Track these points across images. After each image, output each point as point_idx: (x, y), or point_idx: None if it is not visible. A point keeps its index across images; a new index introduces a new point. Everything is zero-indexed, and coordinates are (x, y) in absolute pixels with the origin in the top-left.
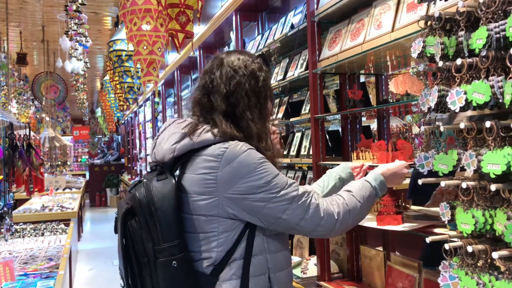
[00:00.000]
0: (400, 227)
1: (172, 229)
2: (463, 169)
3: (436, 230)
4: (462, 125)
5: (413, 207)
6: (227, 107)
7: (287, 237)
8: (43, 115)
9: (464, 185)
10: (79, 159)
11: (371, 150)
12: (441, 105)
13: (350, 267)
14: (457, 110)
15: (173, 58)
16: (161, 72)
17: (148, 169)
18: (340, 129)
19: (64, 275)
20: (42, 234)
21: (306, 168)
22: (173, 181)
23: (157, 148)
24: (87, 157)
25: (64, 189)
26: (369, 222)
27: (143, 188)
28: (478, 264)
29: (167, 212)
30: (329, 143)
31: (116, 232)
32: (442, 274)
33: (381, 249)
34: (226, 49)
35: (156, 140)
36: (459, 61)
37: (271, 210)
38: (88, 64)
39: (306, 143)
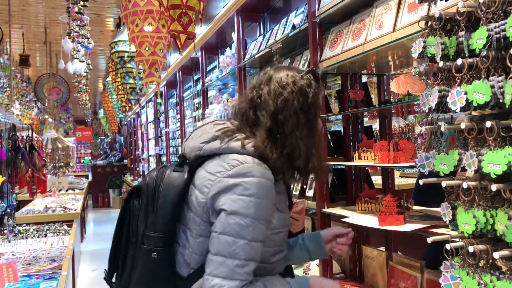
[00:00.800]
0: (402, 228)
1: (165, 221)
2: (464, 169)
3: (438, 231)
4: (463, 125)
5: (415, 207)
6: (272, 124)
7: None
8: (46, 117)
9: (465, 185)
10: (82, 160)
11: (373, 150)
12: (441, 105)
13: (353, 267)
14: (457, 110)
15: (175, 59)
16: (163, 73)
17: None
18: (342, 130)
19: (67, 276)
20: (45, 235)
21: None
22: (185, 176)
23: (188, 142)
24: (89, 158)
25: (67, 190)
26: (371, 222)
27: (157, 172)
28: (480, 264)
29: (167, 204)
30: (331, 144)
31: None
32: (444, 274)
33: (383, 249)
34: (227, 49)
35: (190, 134)
36: (459, 61)
37: (218, 240)
38: (90, 65)
39: None
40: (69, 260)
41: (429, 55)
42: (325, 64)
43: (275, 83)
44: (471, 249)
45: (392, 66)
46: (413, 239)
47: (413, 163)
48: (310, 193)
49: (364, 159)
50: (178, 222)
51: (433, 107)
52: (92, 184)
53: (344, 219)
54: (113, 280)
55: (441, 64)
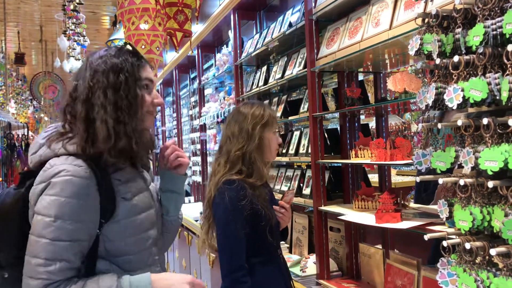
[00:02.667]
0: (399, 225)
1: (10, 239)
2: (461, 166)
3: (435, 228)
4: (459, 122)
5: (412, 205)
6: (88, 112)
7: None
8: (42, 115)
9: (461, 182)
10: None
11: (369, 148)
12: (438, 102)
13: (349, 265)
14: (454, 107)
15: (171, 57)
16: (160, 72)
17: None
18: (338, 128)
19: None
20: None
21: (305, 167)
22: (22, 191)
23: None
24: None
25: None
26: (368, 219)
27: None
28: (476, 261)
29: (9, 221)
30: (328, 142)
31: None
32: (441, 271)
33: (380, 247)
34: (224, 47)
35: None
36: (456, 58)
37: (29, 241)
38: None
39: (304, 141)
40: None
41: (426, 52)
42: (322, 62)
43: (88, 69)
44: (467, 245)
45: (388, 64)
46: (409, 237)
47: (410, 161)
48: (307, 191)
49: (361, 157)
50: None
51: (430, 104)
52: None
53: (341, 217)
54: None
55: (438, 61)
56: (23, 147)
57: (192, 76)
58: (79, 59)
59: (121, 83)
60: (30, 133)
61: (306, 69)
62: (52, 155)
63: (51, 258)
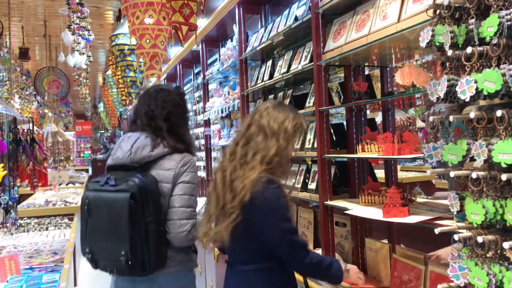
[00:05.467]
0: (406, 219)
1: (156, 206)
2: (472, 160)
3: (443, 223)
4: (472, 115)
5: (419, 200)
6: (168, 126)
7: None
8: (46, 111)
9: (474, 175)
10: (82, 155)
11: (376, 143)
12: (450, 95)
13: (355, 260)
14: (467, 99)
15: (175, 52)
16: (164, 66)
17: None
18: (344, 123)
19: (69, 268)
20: (47, 229)
21: (311, 162)
22: (151, 179)
23: (134, 153)
24: (89, 152)
25: (67, 184)
26: (375, 214)
27: (137, 179)
28: (488, 255)
29: (154, 195)
30: (333, 136)
31: (88, 214)
32: (452, 265)
33: (386, 242)
34: (228, 42)
35: (128, 149)
36: (469, 49)
37: (180, 198)
38: (91, 57)
39: (310, 136)
40: (71, 253)
41: (438, 44)
42: (328, 55)
43: (160, 100)
44: (480, 239)
45: (395, 58)
46: (416, 232)
47: (418, 155)
48: (312, 185)
49: (368, 151)
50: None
51: (442, 97)
52: (92, 178)
53: (348, 211)
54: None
55: (450, 52)
56: (28, 142)
57: (196, 71)
58: (83, 53)
59: (182, 111)
60: (35, 127)
61: (312, 63)
62: (166, 152)
63: (196, 206)
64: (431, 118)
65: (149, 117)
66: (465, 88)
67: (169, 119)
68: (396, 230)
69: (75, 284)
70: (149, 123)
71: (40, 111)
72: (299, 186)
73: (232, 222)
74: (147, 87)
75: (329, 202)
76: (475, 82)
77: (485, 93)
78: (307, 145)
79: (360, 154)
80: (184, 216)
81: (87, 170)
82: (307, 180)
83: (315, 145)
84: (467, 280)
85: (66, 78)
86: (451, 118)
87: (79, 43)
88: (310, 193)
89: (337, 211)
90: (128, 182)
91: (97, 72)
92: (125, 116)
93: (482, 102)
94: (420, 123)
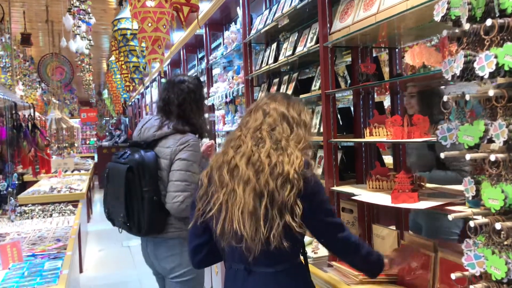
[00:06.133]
0: (416, 205)
1: (152, 179)
2: (490, 141)
3: (454, 208)
4: (491, 92)
5: (428, 185)
6: (179, 111)
7: None
8: (51, 98)
9: (492, 157)
10: (88, 142)
11: (385, 126)
12: (467, 72)
13: None
14: (486, 76)
15: (178, 37)
16: (167, 52)
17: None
18: (351, 107)
19: (73, 255)
20: (51, 215)
21: (317, 146)
22: (154, 152)
23: (143, 133)
24: (95, 139)
25: (72, 171)
26: (383, 200)
27: (137, 155)
28: (506, 243)
29: (151, 169)
30: (340, 121)
31: (107, 180)
32: (467, 253)
33: (394, 228)
34: (232, 25)
35: (139, 129)
36: (489, 21)
37: (176, 173)
38: (91, 41)
39: (316, 120)
40: (74, 240)
41: (454, 18)
42: (335, 36)
43: (176, 88)
44: (498, 226)
45: (404, 38)
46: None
47: (429, 138)
48: (318, 171)
49: (376, 135)
50: (158, 179)
51: (458, 74)
52: (98, 165)
53: (356, 197)
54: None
55: (467, 26)
56: (30, 128)
57: (200, 56)
58: (84, 37)
59: (198, 98)
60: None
61: (318, 45)
62: (169, 133)
63: (191, 181)
64: (445, 98)
65: (165, 103)
66: (484, 64)
67: (182, 104)
68: (404, 216)
69: (81, 271)
70: (164, 107)
71: (45, 98)
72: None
73: (292, 214)
74: (149, 73)
75: (335, 188)
76: (495, 57)
77: (506, 68)
78: (313, 130)
79: (367, 138)
80: (178, 188)
81: (93, 157)
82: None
83: (321, 130)
84: (483, 269)
85: (70, 64)
86: (467, 96)
87: (79, 26)
88: None
89: (343, 197)
90: (130, 157)
91: (101, 58)
92: (130, 103)
93: (500, 80)
94: None
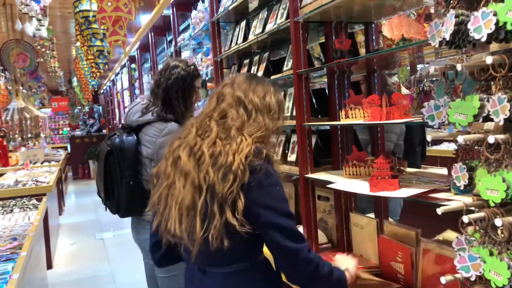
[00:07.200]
0: (397, 193)
1: (130, 163)
2: (486, 120)
3: (439, 195)
4: (489, 60)
5: (409, 170)
6: (165, 95)
7: None
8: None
9: (491, 139)
10: (61, 132)
11: (362, 107)
12: (458, 36)
13: (340, 237)
14: (483, 39)
15: (146, 20)
16: (135, 36)
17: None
18: (326, 89)
19: (28, 256)
20: (11, 211)
21: (290, 131)
22: (135, 137)
23: (128, 117)
24: (68, 129)
25: (42, 163)
26: (361, 188)
27: (118, 139)
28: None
29: (129, 154)
30: (315, 104)
31: (98, 160)
32: (460, 254)
33: (373, 217)
34: (200, 3)
35: (127, 112)
36: None
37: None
38: (42, 22)
39: (288, 103)
40: (34, 238)
41: None
42: (306, 10)
43: (168, 72)
44: (498, 222)
45: (381, 11)
46: (406, 205)
47: (409, 119)
48: (292, 157)
49: (352, 117)
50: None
51: (448, 39)
52: (71, 156)
53: (331, 185)
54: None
55: None
56: None
57: (169, 39)
58: (40, 20)
59: (186, 86)
60: None
61: (289, 20)
62: (152, 119)
63: None
64: (431, 69)
65: (156, 85)
66: (481, 24)
67: (169, 90)
68: (383, 204)
69: (51, 267)
70: (153, 90)
71: (10, 87)
72: (278, 158)
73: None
74: (111, 56)
75: (309, 175)
76: (495, 14)
77: (509, 27)
78: (285, 114)
79: (343, 121)
80: None
81: (65, 148)
82: (286, 152)
83: (294, 113)
84: (480, 272)
85: (34, 51)
86: (459, 66)
87: (27, 5)
88: (290, 166)
89: (319, 184)
90: (113, 140)
91: (70, 44)
92: (102, 91)
93: (494, 47)
94: (405, 91)
